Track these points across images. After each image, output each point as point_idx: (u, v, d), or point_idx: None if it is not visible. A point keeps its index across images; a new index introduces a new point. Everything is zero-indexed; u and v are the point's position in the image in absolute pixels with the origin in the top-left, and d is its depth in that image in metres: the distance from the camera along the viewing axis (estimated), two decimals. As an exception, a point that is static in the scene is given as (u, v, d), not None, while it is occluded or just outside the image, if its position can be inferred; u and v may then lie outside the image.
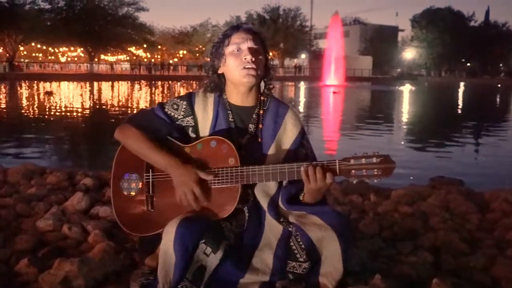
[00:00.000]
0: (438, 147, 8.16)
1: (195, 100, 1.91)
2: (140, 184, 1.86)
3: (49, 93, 18.74)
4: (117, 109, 14.60)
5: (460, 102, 22.91)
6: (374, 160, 1.69)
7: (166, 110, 1.90)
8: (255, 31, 1.88)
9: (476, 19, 74.71)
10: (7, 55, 49.04)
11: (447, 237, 2.57)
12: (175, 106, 1.91)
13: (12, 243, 2.39)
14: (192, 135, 1.90)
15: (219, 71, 1.90)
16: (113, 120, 11.17)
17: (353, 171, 1.70)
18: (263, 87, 1.92)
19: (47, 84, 29.22)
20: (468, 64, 75.40)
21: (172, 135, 1.87)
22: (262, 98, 1.93)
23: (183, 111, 1.90)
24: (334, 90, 25.57)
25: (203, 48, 63.17)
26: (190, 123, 1.90)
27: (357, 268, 2.12)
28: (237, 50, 1.82)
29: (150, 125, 1.85)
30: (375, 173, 1.69)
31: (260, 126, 1.90)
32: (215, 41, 1.91)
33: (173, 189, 1.79)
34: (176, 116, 1.89)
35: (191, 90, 2.03)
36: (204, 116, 1.90)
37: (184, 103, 1.91)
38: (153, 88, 28.31)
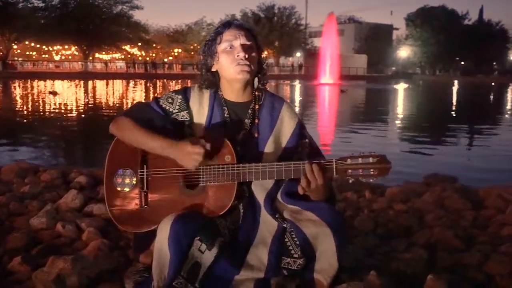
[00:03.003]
0: (432, 144, 8.18)
1: (190, 95, 1.90)
2: (134, 180, 1.84)
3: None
4: (111, 107, 14.54)
5: (454, 100, 22.99)
6: (371, 160, 1.69)
7: (161, 103, 1.89)
8: (247, 27, 1.87)
9: (470, 17, 75.02)
10: (1, 53, 48.72)
11: (441, 234, 2.57)
12: (170, 100, 1.89)
13: (5, 242, 2.37)
14: (188, 130, 1.88)
15: (213, 69, 1.88)
16: (107, 118, 11.13)
17: (349, 170, 1.70)
18: (257, 83, 1.91)
19: (42, 82, 29.09)
20: (462, 63, 75.66)
21: (166, 129, 1.85)
22: (257, 93, 1.92)
23: (178, 105, 1.89)
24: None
25: (198, 47, 62.59)
26: (186, 118, 1.89)
27: (352, 265, 2.13)
28: (230, 47, 1.81)
29: (145, 118, 1.84)
30: (372, 173, 1.69)
31: (257, 121, 1.89)
32: (207, 39, 1.89)
33: (168, 185, 1.79)
34: (171, 110, 1.88)
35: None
36: (200, 111, 1.89)
37: (179, 97, 1.90)
38: (147, 86, 28.21)
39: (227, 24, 1.85)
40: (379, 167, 1.69)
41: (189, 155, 1.70)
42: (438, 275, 1.97)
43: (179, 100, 1.89)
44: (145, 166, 1.83)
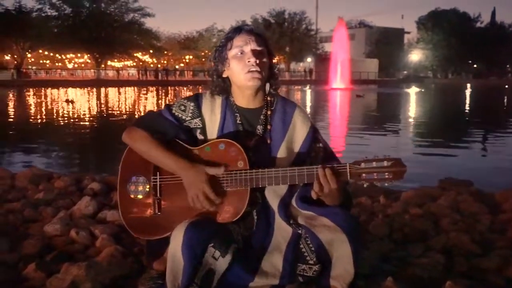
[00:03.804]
0: (446, 148, 8.10)
1: (202, 102, 1.89)
2: (148, 187, 1.84)
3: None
4: (124, 114, 14.64)
5: (467, 103, 22.77)
6: (385, 163, 1.66)
7: (173, 111, 1.88)
8: (258, 32, 1.85)
9: (482, 20, 74.51)
10: (15, 62, 49.43)
11: (458, 238, 2.53)
12: (182, 108, 1.89)
13: (19, 248, 2.38)
14: (200, 137, 1.87)
15: (224, 75, 1.87)
16: (121, 125, 11.21)
17: (364, 174, 1.67)
18: (268, 88, 1.89)
19: (55, 90, 29.44)
20: (475, 66, 74.97)
21: (179, 137, 1.85)
22: (268, 98, 1.91)
23: (190, 113, 1.88)
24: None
25: (209, 53, 62.83)
26: (198, 125, 1.88)
27: (368, 271, 2.10)
28: (240, 53, 1.80)
29: (158, 127, 1.83)
30: (386, 176, 1.66)
31: (269, 127, 1.87)
32: (218, 44, 1.88)
33: (181, 192, 1.77)
34: (183, 117, 1.87)
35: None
36: (212, 118, 1.88)
37: (192, 104, 1.89)
38: (160, 93, 28.39)
39: (238, 30, 1.84)
40: (394, 171, 1.66)
41: (196, 189, 1.71)
42: (456, 280, 1.94)
43: (192, 108, 1.88)
44: (158, 172, 1.83)
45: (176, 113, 1.87)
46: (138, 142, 1.82)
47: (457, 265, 2.25)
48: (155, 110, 1.96)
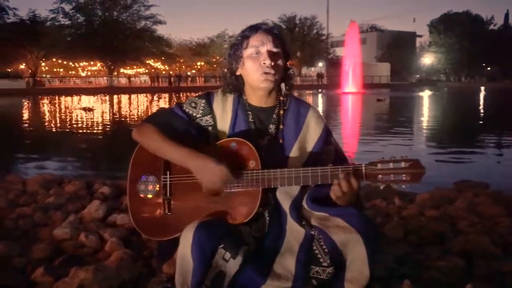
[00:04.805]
0: (461, 151, 7.98)
1: (213, 99, 1.86)
2: (157, 186, 1.79)
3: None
4: (137, 120, 14.72)
5: (481, 106, 22.51)
6: (403, 164, 1.60)
7: (184, 108, 1.85)
8: (275, 32, 1.80)
9: (495, 22, 73.82)
10: (29, 71, 50.08)
11: (478, 241, 2.45)
12: (193, 105, 1.85)
13: (29, 252, 2.36)
14: (212, 134, 1.83)
15: (237, 73, 1.83)
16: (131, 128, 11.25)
17: (380, 175, 1.61)
18: (283, 89, 1.85)
19: (69, 98, 29.75)
20: (488, 69, 74.19)
21: (190, 135, 1.80)
22: (281, 98, 1.87)
23: (201, 110, 1.84)
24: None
25: (220, 59, 63.26)
26: (210, 122, 1.84)
27: (384, 274, 2.03)
28: (256, 53, 1.75)
29: (169, 124, 1.80)
30: (404, 178, 1.60)
31: (281, 126, 1.83)
32: (233, 42, 1.84)
33: (191, 191, 1.73)
34: (194, 114, 1.84)
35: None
36: (223, 116, 1.84)
37: (203, 101, 1.85)
38: (172, 100, 28.55)
39: (255, 28, 1.79)
40: (412, 172, 1.60)
41: (210, 176, 1.65)
42: (477, 284, 1.86)
43: (203, 104, 1.85)
44: (168, 172, 1.78)
45: (187, 110, 1.84)
46: (148, 138, 1.78)
47: (477, 269, 2.18)
48: (166, 107, 1.92)
